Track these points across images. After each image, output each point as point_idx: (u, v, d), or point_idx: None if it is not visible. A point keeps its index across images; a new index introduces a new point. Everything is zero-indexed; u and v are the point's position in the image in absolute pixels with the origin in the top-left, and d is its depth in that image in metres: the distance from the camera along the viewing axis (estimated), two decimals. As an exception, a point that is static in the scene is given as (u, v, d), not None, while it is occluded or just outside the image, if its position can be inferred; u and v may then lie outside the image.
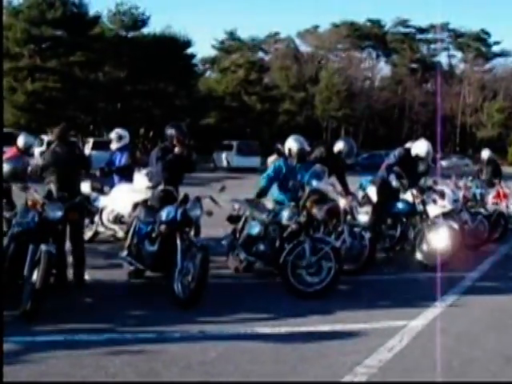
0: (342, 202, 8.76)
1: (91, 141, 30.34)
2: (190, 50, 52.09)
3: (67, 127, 7.81)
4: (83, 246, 7.60)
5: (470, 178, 12.67)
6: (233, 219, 8.56)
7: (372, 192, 10.15)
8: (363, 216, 9.90)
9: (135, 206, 8.62)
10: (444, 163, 35.83)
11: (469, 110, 74.35)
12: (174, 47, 48.51)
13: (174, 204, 7.05)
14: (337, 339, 5.79)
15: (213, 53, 75.29)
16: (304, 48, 79.33)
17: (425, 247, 9.13)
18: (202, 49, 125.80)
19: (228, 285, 7.81)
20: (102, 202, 9.82)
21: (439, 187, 10.27)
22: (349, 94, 65.91)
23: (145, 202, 8.12)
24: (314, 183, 7.77)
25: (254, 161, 37.47)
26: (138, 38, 50.09)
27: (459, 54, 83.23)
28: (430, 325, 6.34)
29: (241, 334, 5.88)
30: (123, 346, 5.40)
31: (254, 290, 7.60)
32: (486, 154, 14.30)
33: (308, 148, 8.77)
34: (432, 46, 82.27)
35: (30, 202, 6.58)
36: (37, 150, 21.69)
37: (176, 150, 7.73)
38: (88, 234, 9.64)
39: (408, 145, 10.25)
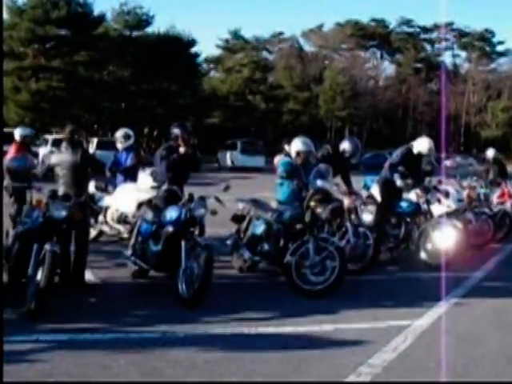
0: (347, 202, 8.74)
1: (95, 140, 30.32)
2: (194, 50, 52.29)
3: (76, 128, 7.79)
4: (87, 247, 7.45)
5: (475, 177, 12.63)
6: (237, 219, 8.55)
7: (376, 191, 10.14)
8: (367, 215, 9.90)
9: (139, 205, 8.64)
10: (448, 163, 35.73)
11: (473, 110, 74.27)
12: (178, 46, 48.61)
13: (178, 203, 7.05)
14: (341, 339, 5.78)
15: (217, 52, 75.43)
16: (308, 47, 79.58)
17: (429, 247, 9.12)
18: (206, 48, 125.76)
19: (232, 284, 7.81)
20: (107, 201, 9.82)
21: (443, 187, 10.26)
22: (353, 94, 65.94)
23: (149, 201, 8.12)
24: (318, 183, 7.77)
25: (259, 160, 37.48)
26: (142, 38, 50.24)
27: (463, 54, 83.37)
28: (434, 324, 6.33)
29: (244, 333, 5.88)
30: (127, 345, 5.41)
31: (258, 290, 7.59)
32: (491, 153, 14.27)
33: (314, 151, 8.79)
34: (436, 45, 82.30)
35: (34, 202, 6.59)
36: (41, 150, 21.81)
37: (181, 149, 7.73)
38: (92, 234, 9.64)
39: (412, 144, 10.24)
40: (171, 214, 6.96)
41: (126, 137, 10.41)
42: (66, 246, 6.77)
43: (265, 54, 77.53)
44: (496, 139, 64.20)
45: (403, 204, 9.66)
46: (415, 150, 9.64)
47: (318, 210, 7.58)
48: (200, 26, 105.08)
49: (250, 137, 44.75)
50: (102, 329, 5.80)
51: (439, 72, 72.74)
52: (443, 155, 18.47)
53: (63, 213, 6.46)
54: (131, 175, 9.95)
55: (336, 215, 8.33)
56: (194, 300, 6.51)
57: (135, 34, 50.98)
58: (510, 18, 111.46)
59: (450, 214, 9.63)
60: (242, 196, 8.97)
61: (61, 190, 7.02)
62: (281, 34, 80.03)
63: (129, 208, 9.30)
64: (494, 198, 12.71)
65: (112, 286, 7.50)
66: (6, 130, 15.96)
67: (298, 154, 8.45)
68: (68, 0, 43.88)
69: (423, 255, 9.13)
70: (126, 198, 9.42)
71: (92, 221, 9.57)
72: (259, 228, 8.04)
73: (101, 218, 9.86)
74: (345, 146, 9.59)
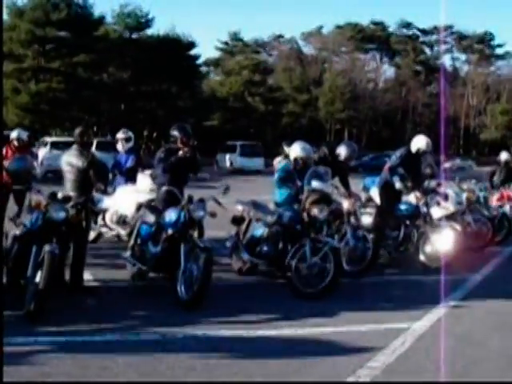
0: (346, 204, 8.74)
1: (95, 141, 30.26)
2: (193, 51, 52.30)
3: (85, 130, 7.80)
4: (86, 248, 7.43)
5: (474, 180, 12.61)
6: (237, 220, 8.55)
7: (375, 194, 10.13)
8: (366, 218, 9.89)
9: (139, 206, 8.63)
10: (447, 165, 35.70)
11: (472, 112, 74.29)
12: (177, 48, 48.66)
13: (177, 205, 7.05)
14: (340, 341, 5.78)
15: (216, 54, 75.42)
16: (308, 50, 79.46)
17: (428, 249, 9.12)
18: (206, 50, 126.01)
19: (231, 286, 7.81)
20: (106, 202, 9.80)
21: (443, 189, 10.25)
22: (352, 96, 65.91)
23: (148, 202, 8.12)
24: (313, 184, 7.78)
25: (258, 162, 37.50)
26: (141, 39, 50.28)
27: (463, 56, 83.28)
28: (433, 326, 6.33)
29: (244, 335, 5.87)
30: (126, 347, 5.41)
31: (257, 292, 7.59)
32: (504, 156, 14.11)
33: (314, 156, 8.83)
34: (436, 48, 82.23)
35: (33, 203, 6.59)
36: (41, 152, 21.83)
37: (180, 151, 7.73)
38: (91, 235, 9.63)
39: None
40: (170, 215, 6.96)
41: (129, 138, 10.44)
42: (64, 248, 6.77)
43: (264, 56, 77.45)
44: (495, 141, 64.29)
45: (402, 206, 9.65)
46: (414, 148, 9.62)
47: (314, 211, 7.58)
48: (200, 28, 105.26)
49: (249, 139, 44.79)
50: (101, 330, 5.79)
51: (439, 74, 72.72)
52: (442, 157, 18.39)
53: (62, 214, 6.46)
54: (131, 177, 9.95)
55: (335, 217, 8.34)
56: (194, 302, 6.51)
57: (135, 35, 51.01)
58: (510, 20, 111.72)
59: (449, 217, 9.62)
60: (242, 198, 8.96)
61: (67, 192, 7.03)
62: (280, 36, 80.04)
63: (128, 210, 9.29)
64: (494, 201, 12.70)
65: (111, 288, 7.50)
66: (5, 132, 15.96)
67: (296, 159, 8.46)
68: (68, 1, 43.93)
69: (422, 258, 9.13)
70: (125, 200, 9.41)
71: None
72: (259, 230, 8.05)
73: (100, 219, 9.85)
74: (341, 150, 9.57)
